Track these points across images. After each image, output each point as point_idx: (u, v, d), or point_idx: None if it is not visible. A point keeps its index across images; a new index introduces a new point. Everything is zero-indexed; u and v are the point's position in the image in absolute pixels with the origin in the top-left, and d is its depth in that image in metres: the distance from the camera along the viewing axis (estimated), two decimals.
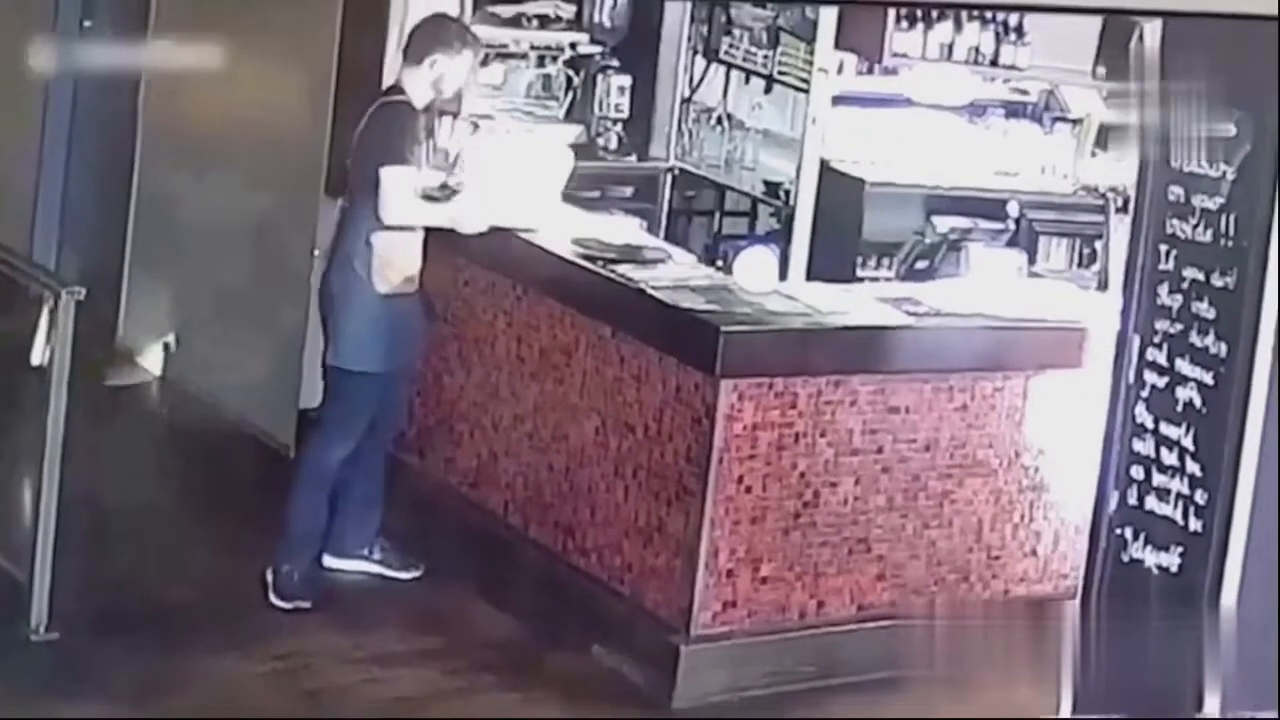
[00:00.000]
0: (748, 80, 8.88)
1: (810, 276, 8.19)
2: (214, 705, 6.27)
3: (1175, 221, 6.13)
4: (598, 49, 9.00)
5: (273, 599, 6.90)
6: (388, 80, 7.87)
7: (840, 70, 8.65)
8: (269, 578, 6.93)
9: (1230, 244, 6.01)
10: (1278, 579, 5.90)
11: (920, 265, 8.51)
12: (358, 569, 7.18)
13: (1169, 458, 6.15)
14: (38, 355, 6.46)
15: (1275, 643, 5.87)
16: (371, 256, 6.91)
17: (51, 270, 8.19)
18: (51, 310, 6.48)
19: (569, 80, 9.01)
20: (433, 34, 7.04)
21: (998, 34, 8.72)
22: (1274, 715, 5.70)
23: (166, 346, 8.83)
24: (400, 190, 6.88)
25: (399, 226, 6.90)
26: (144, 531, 7.42)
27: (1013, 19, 8.69)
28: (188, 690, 6.34)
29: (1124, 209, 7.59)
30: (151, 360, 9.01)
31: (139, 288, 9.13)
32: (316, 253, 8.06)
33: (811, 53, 8.50)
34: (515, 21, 8.81)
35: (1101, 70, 8.47)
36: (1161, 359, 6.19)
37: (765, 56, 8.75)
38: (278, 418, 8.22)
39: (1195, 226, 6.09)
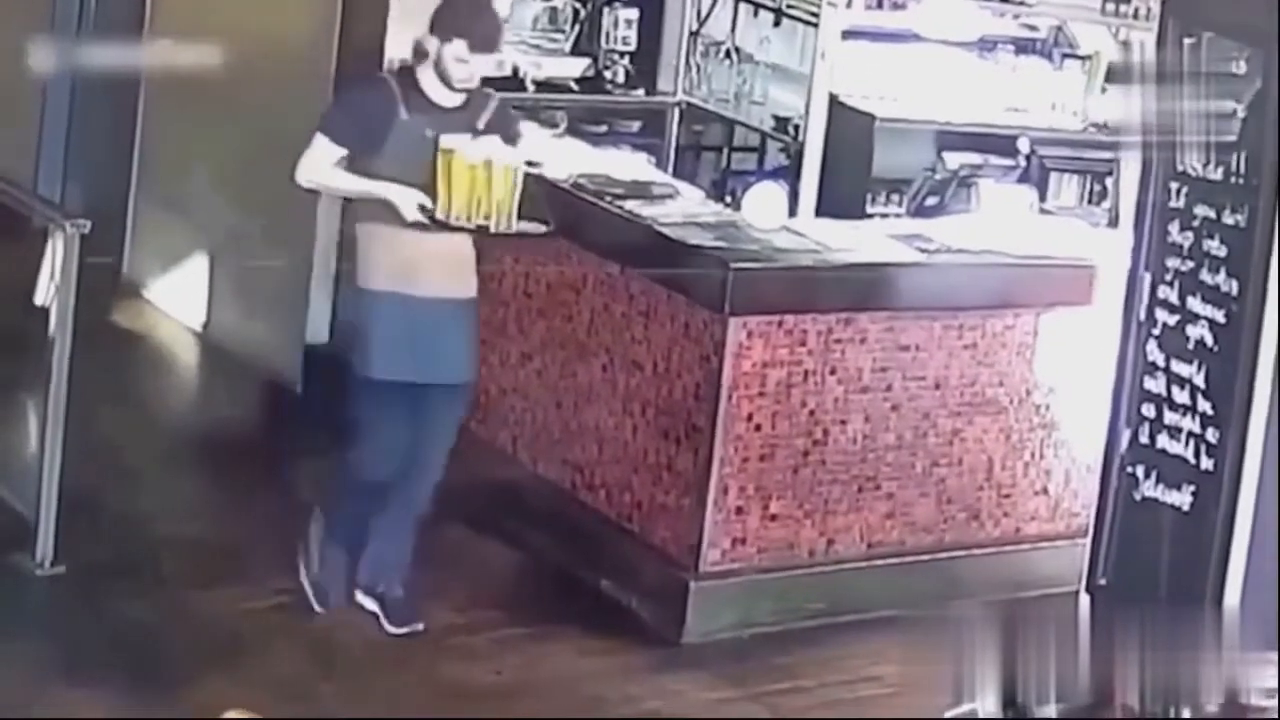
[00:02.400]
0: (756, 13, 8.83)
1: (820, 213, 8.14)
2: (216, 640, 6.27)
3: (1186, 159, 6.10)
4: None
5: (315, 607, 6.51)
6: (392, 9, 7.86)
7: (849, 4, 8.58)
8: (305, 583, 6.55)
9: (1241, 181, 5.99)
10: None
11: (930, 201, 8.48)
12: (360, 600, 6.57)
13: (1180, 396, 6.14)
14: (41, 293, 6.44)
15: None
16: (356, 246, 6.45)
17: (56, 203, 8.17)
18: (58, 243, 6.46)
19: (575, 13, 8.95)
20: (438, 11, 6.33)
21: None
22: None
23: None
24: (313, 155, 6.33)
25: (386, 219, 6.23)
26: (148, 467, 7.43)
27: None
28: (190, 625, 6.35)
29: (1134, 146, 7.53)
30: (155, 295, 8.99)
31: (144, 222, 9.10)
32: None
33: None
34: None
35: (1110, 6, 8.42)
36: (1173, 296, 6.18)
37: None
38: (284, 353, 8.21)
39: (1206, 164, 6.06)
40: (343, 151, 6.29)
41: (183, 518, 7.04)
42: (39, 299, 6.49)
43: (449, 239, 6.26)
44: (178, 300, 8.86)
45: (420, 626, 6.47)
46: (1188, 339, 6.11)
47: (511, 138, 6.36)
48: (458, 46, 6.17)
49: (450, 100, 6.26)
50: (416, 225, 6.18)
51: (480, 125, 6.26)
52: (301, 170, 6.43)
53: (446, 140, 6.16)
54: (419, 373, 6.30)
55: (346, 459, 6.44)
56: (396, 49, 7.96)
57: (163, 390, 8.38)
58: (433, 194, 6.17)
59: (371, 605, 6.50)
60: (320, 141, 6.34)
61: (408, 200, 6.19)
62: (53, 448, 6.48)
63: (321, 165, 6.35)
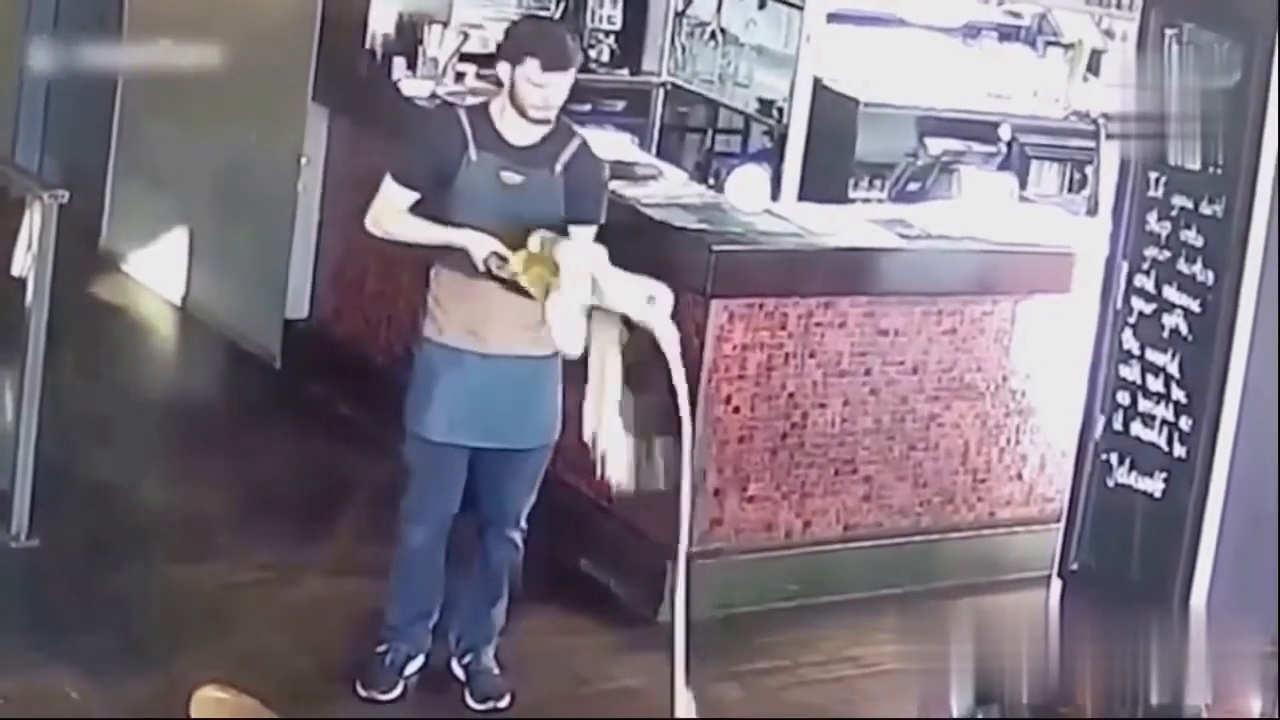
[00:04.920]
0: None
1: (802, 196, 8.14)
2: (194, 614, 6.26)
3: (1165, 149, 6.12)
4: None
5: (357, 685, 6.02)
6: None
7: None
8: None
9: (1219, 172, 6.00)
10: (1264, 505, 5.92)
11: (912, 187, 8.48)
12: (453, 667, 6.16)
13: (1155, 384, 6.16)
14: (19, 264, 6.42)
15: (1255, 570, 5.90)
16: (428, 293, 5.96)
17: (34, 173, 8.14)
18: (35, 214, 6.43)
19: None
20: (505, 35, 5.98)
21: None
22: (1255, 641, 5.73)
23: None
24: (383, 202, 5.86)
25: (455, 266, 5.82)
26: (125, 440, 7.41)
27: None
28: (168, 599, 6.34)
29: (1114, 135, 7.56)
30: (134, 267, 8.97)
31: (123, 193, 9.08)
32: (304, 160, 8.04)
33: None
34: None
35: None
36: (1149, 285, 6.19)
37: None
38: (263, 327, 8.21)
39: (1185, 154, 6.07)
40: (414, 195, 5.80)
41: (160, 491, 7.02)
42: (16, 270, 6.45)
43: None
44: (156, 273, 8.85)
45: (504, 703, 6.05)
46: (1163, 328, 6.12)
47: (589, 187, 5.85)
48: (530, 67, 5.68)
49: (526, 138, 5.77)
50: (485, 276, 5.71)
51: (559, 167, 5.79)
52: (372, 218, 5.90)
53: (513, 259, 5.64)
54: (480, 435, 5.86)
55: (401, 526, 6.00)
56: (380, 24, 7.99)
57: (141, 363, 8.35)
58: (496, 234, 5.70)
59: (461, 674, 6.12)
60: (389, 187, 5.84)
61: (480, 246, 5.69)
62: (29, 420, 6.45)
63: (392, 212, 5.83)
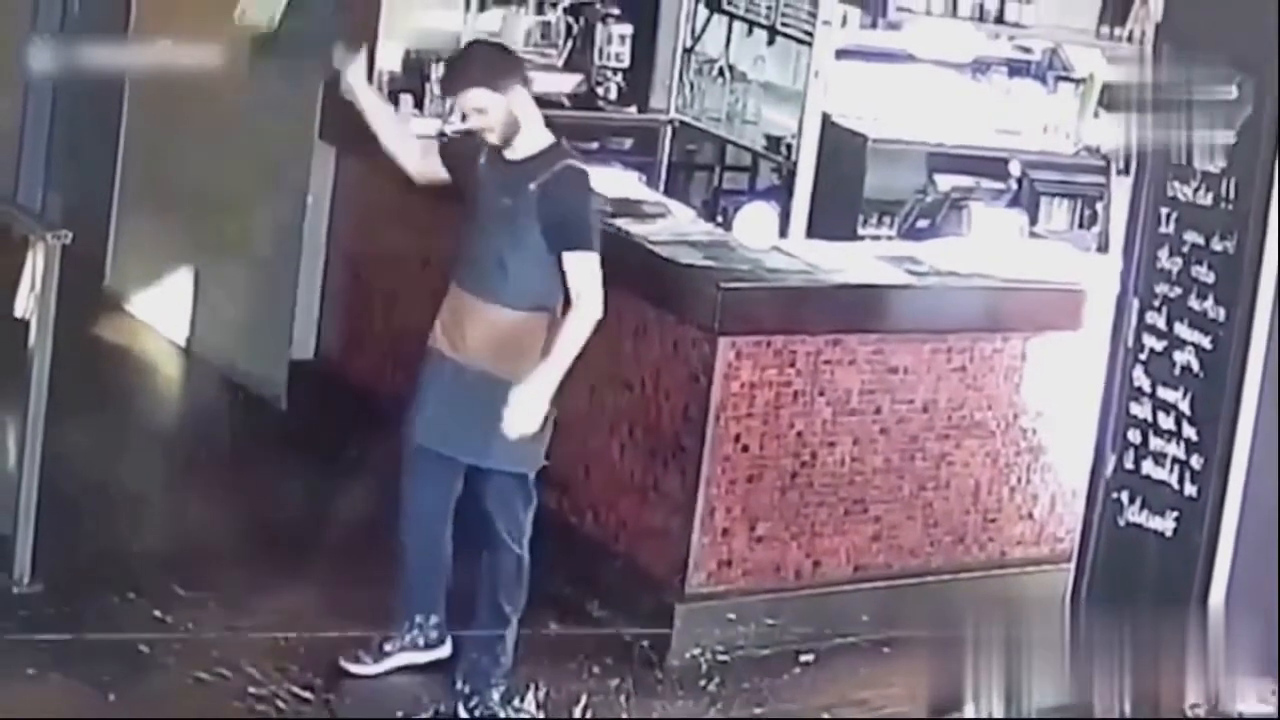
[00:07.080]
0: (750, 31, 8.78)
1: (811, 234, 8.12)
2: (198, 658, 6.22)
3: (1176, 184, 6.08)
4: None
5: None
6: (382, 19, 7.82)
7: (844, 23, 8.56)
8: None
9: (1230, 208, 5.97)
10: (1276, 544, 5.87)
11: (922, 224, 8.45)
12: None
13: (1166, 422, 6.12)
14: (21, 304, 6.39)
15: (1273, 609, 5.84)
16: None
17: (36, 213, 8.11)
18: (39, 254, 6.40)
19: (569, 28, 8.91)
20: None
21: None
22: (1271, 682, 5.67)
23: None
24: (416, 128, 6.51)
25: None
26: (129, 482, 7.38)
27: None
28: (172, 644, 6.29)
29: (1125, 170, 7.54)
30: (138, 307, 8.94)
31: (127, 233, 9.05)
32: (310, 199, 8.01)
33: (815, 4, 8.41)
34: None
35: (1105, 29, 8.41)
36: (1160, 322, 6.15)
37: (768, 7, 8.66)
38: (269, 367, 8.17)
39: (1196, 190, 6.04)
40: (435, 150, 6.29)
41: (164, 534, 6.99)
42: (19, 311, 6.42)
43: (512, 311, 5.95)
44: (161, 313, 8.81)
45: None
46: (1174, 365, 6.08)
47: (563, 210, 5.94)
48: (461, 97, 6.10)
49: (513, 153, 6.00)
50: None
51: (533, 185, 5.91)
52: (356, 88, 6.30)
53: None
54: (444, 443, 5.98)
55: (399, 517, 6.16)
56: (387, 61, 7.97)
57: (145, 404, 8.33)
58: (486, 251, 6.00)
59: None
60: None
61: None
62: (31, 463, 6.41)
63: (406, 125, 6.42)
